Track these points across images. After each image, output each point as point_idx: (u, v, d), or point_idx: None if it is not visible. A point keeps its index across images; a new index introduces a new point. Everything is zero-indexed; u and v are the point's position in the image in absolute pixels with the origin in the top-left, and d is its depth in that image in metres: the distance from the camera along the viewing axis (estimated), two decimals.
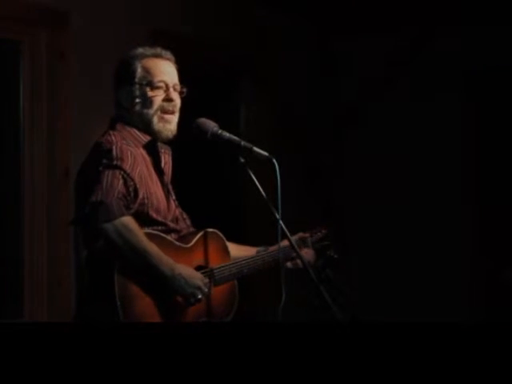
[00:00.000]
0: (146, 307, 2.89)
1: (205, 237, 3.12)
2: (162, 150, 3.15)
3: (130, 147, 3.00)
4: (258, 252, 3.32)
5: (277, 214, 2.94)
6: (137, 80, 3.10)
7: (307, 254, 3.39)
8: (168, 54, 3.18)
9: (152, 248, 2.88)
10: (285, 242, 3.14)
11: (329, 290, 2.84)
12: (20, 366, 2.40)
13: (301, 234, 3.42)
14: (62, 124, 4.48)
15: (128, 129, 3.09)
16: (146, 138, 3.10)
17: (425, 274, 5.64)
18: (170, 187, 3.18)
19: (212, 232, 3.16)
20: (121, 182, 2.90)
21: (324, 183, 5.78)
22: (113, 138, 3.00)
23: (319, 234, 3.53)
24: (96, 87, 4.40)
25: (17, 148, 4.45)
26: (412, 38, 5.81)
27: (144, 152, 3.08)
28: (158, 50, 3.17)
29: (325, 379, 2.41)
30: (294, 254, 3.25)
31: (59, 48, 4.48)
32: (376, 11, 5.83)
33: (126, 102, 3.11)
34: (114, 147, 2.95)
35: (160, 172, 3.13)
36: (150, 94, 3.10)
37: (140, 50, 3.16)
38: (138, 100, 3.10)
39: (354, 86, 6.08)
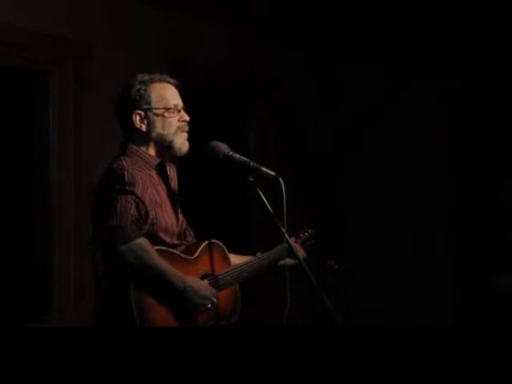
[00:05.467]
0: (160, 316, 2.92)
1: (207, 247, 3.14)
2: (168, 167, 3.18)
3: (139, 172, 3.01)
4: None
5: (283, 228, 2.96)
6: (153, 104, 3.10)
7: (300, 251, 3.43)
8: (172, 79, 3.19)
9: (165, 265, 2.91)
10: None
11: (330, 296, 2.85)
12: (45, 367, 2.43)
13: (292, 239, 3.42)
14: (87, 145, 4.52)
15: (139, 152, 3.09)
16: (155, 161, 3.11)
17: (418, 281, 5.64)
18: (178, 202, 3.20)
19: (213, 242, 3.18)
20: (133, 206, 2.91)
21: (327, 200, 5.81)
22: (124, 163, 3.00)
23: (307, 234, 3.58)
24: None
25: (46, 168, 4.49)
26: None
27: (154, 173, 3.10)
28: (164, 76, 3.17)
29: (325, 381, 2.44)
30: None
31: (84, 77, 4.52)
32: (371, 41, 5.88)
33: (143, 125, 3.10)
34: (125, 173, 2.96)
35: (169, 190, 3.16)
36: (167, 116, 3.11)
37: (147, 76, 3.15)
38: (157, 123, 3.10)
39: (353, 109, 6.10)
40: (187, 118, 3.16)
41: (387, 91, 5.92)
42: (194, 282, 2.97)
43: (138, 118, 3.10)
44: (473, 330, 2.51)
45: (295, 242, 3.47)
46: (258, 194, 3.02)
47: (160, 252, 2.94)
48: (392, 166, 5.89)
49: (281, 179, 2.96)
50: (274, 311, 3.08)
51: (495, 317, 5.09)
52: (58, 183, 4.48)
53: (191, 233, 3.26)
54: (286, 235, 2.95)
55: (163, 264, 2.90)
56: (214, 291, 3.04)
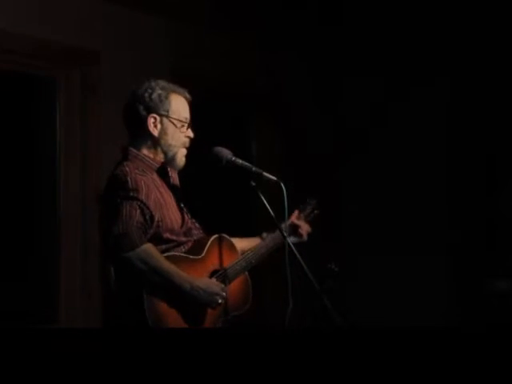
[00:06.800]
0: (173, 319, 2.93)
1: (214, 243, 3.15)
2: (170, 169, 3.18)
3: (143, 176, 3.01)
4: (261, 238, 3.37)
5: (284, 232, 2.98)
6: (170, 113, 3.10)
7: (304, 228, 3.45)
8: (188, 95, 3.19)
9: (172, 268, 2.91)
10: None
11: (330, 298, 2.87)
12: (51, 368, 2.46)
13: (295, 214, 3.44)
14: (93, 150, 4.53)
15: (140, 156, 3.08)
16: (157, 164, 3.11)
17: (415, 284, 5.66)
18: (182, 202, 3.20)
19: (218, 237, 3.18)
20: (138, 211, 2.91)
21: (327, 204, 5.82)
22: (127, 168, 2.99)
23: (309, 207, 3.55)
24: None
25: (53, 173, 4.50)
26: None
27: (156, 176, 3.09)
28: (182, 89, 3.17)
29: (325, 382, 2.46)
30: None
31: (90, 83, 4.54)
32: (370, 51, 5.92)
33: (155, 130, 3.09)
34: (128, 179, 2.95)
35: (172, 190, 3.16)
36: (179, 129, 3.12)
37: (167, 84, 3.14)
38: (169, 132, 3.09)
39: (353, 115, 6.13)
40: (192, 135, 3.16)
41: (386, 97, 5.94)
42: (201, 281, 2.98)
43: (152, 121, 3.08)
44: (468, 333, 2.53)
45: (299, 216, 3.46)
46: (260, 197, 3.02)
47: (169, 258, 2.95)
48: (392, 170, 5.90)
49: (282, 184, 2.97)
50: (275, 312, 3.10)
51: (490, 320, 5.11)
52: (65, 187, 4.50)
53: (198, 226, 3.27)
54: (288, 239, 2.95)
55: (170, 268, 2.91)
56: (223, 286, 3.05)
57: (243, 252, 3.26)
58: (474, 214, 5.56)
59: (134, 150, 3.09)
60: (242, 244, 3.30)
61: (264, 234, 3.37)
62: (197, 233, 3.21)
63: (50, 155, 4.52)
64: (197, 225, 3.26)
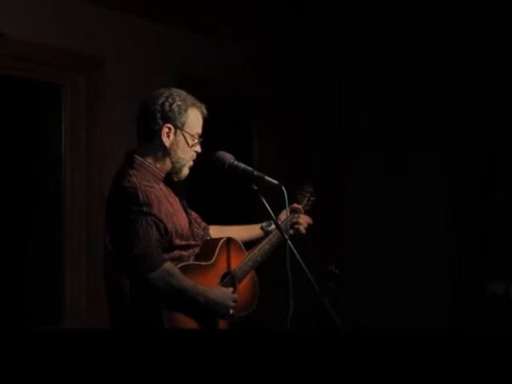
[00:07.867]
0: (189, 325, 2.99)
1: (222, 247, 3.18)
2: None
3: (152, 189, 2.99)
4: (262, 227, 3.41)
5: (285, 235, 2.99)
6: (185, 127, 3.08)
7: (304, 219, 3.46)
8: (205, 110, 3.17)
9: (188, 283, 2.96)
10: (282, 216, 3.27)
11: (330, 300, 2.89)
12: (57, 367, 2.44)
13: (295, 205, 3.46)
14: (98, 153, 4.55)
15: (146, 164, 3.05)
16: (163, 173, 3.09)
17: (414, 286, 5.68)
18: (185, 203, 3.22)
19: (226, 241, 3.21)
20: (154, 228, 2.92)
21: (327, 208, 5.84)
22: (134, 179, 2.98)
23: (305, 196, 3.56)
24: (126, 123, 4.42)
25: (59, 175, 4.53)
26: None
27: (162, 184, 3.09)
28: (201, 104, 3.16)
29: (325, 381, 2.48)
30: (295, 220, 3.39)
31: (95, 89, 4.55)
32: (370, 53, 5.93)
33: (168, 140, 3.07)
34: (139, 192, 2.93)
35: (177, 195, 3.17)
36: (191, 143, 3.11)
37: (188, 97, 3.12)
38: (180, 145, 3.09)
39: (353, 119, 6.15)
40: (200, 150, 3.16)
41: (386, 98, 5.96)
42: (215, 293, 3.03)
43: (166, 131, 3.07)
44: (466, 334, 2.55)
45: (297, 206, 3.47)
46: (261, 200, 3.03)
47: (183, 269, 2.98)
48: (392, 171, 5.93)
49: (283, 187, 2.99)
50: (276, 313, 3.12)
51: (488, 321, 5.13)
52: (70, 189, 4.51)
53: (203, 225, 3.31)
54: (289, 241, 2.96)
55: (188, 283, 2.95)
56: (234, 296, 3.10)
57: (242, 241, 3.30)
58: (472, 217, 5.58)
59: (140, 158, 3.07)
60: (239, 232, 3.35)
61: (264, 224, 3.40)
62: (201, 232, 3.25)
63: (56, 158, 4.54)
64: (202, 223, 3.29)
